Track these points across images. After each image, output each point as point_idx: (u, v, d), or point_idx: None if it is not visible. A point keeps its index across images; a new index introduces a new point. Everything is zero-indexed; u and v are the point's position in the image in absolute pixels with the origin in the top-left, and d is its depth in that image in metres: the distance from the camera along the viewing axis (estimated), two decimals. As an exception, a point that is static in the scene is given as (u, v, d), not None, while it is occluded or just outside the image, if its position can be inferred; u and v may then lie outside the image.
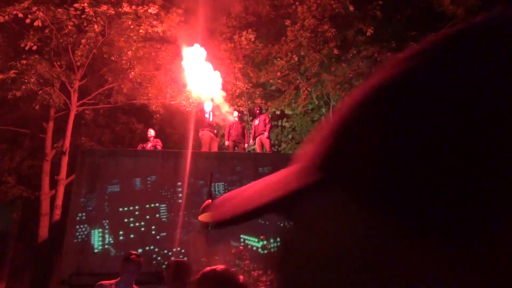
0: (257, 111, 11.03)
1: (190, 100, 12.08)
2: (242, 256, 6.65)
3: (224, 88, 13.22)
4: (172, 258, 6.76)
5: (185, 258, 6.75)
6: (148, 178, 7.67)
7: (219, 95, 10.57)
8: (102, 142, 13.61)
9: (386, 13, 12.79)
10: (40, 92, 10.36)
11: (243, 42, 13.99)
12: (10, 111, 12.25)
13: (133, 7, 10.52)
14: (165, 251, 7.09)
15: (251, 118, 14.35)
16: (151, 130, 9.92)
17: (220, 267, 2.16)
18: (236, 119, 10.30)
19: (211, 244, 7.02)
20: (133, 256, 3.41)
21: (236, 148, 9.94)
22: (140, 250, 6.82)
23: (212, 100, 10.44)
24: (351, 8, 12.32)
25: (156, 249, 7.08)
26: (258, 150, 10.43)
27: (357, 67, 11.98)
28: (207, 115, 9.62)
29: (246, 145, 10.30)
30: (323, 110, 13.44)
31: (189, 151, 8.42)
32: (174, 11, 11.32)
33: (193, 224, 7.34)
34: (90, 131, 13.53)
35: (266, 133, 10.17)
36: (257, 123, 10.58)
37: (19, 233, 12.71)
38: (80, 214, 7.09)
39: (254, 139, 10.52)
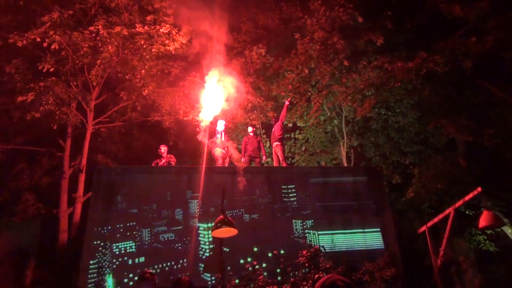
0: (273, 121, 11.07)
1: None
2: (256, 271, 6.64)
3: (236, 102, 13.34)
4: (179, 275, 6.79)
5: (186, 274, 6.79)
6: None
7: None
8: (118, 159, 13.84)
9: (396, 22, 12.78)
10: (58, 112, 10.65)
11: (253, 57, 14.15)
12: (28, 131, 12.61)
13: (146, 27, 10.78)
14: (179, 267, 7.13)
15: (264, 131, 14.42)
16: (162, 146, 10.05)
17: None
18: (251, 134, 10.36)
19: (225, 259, 7.04)
20: (148, 274, 3.47)
21: (252, 162, 9.99)
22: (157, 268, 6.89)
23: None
24: (360, 19, 12.36)
25: (172, 265, 7.12)
26: (274, 159, 10.43)
27: (368, 78, 11.95)
28: (218, 135, 9.71)
29: (264, 157, 10.33)
30: (335, 121, 13.41)
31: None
32: (185, 29, 11.52)
33: (207, 239, 7.37)
34: (106, 148, 13.79)
35: (278, 143, 10.21)
36: (273, 130, 10.64)
37: (38, 250, 12.92)
38: (96, 231, 7.20)
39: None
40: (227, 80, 9.85)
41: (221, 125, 9.94)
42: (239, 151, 10.98)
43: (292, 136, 14.75)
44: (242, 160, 10.17)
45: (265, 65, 14.29)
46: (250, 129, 10.57)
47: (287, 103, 10.72)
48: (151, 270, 3.75)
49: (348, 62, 12.16)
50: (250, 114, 14.30)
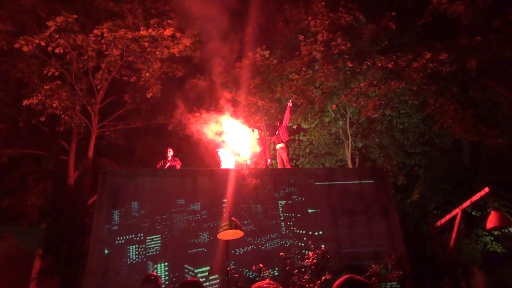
0: (278, 124, 11.03)
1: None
2: (263, 273, 6.61)
3: (240, 104, 13.36)
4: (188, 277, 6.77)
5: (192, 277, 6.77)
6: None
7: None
8: (122, 162, 13.88)
9: (400, 23, 12.73)
10: (63, 115, 10.71)
11: (257, 59, 14.14)
12: (34, 134, 12.68)
13: (150, 30, 10.83)
14: (186, 270, 7.10)
15: (268, 133, 14.40)
16: (170, 149, 10.07)
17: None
18: (257, 136, 10.32)
19: (231, 262, 7.02)
20: (152, 277, 3.44)
21: (257, 166, 9.96)
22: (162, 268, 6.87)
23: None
24: (364, 21, 12.34)
25: (176, 268, 7.10)
26: (278, 161, 10.40)
27: (372, 79, 11.91)
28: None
29: (268, 161, 10.30)
30: (340, 122, 13.37)
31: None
32: (189, 32, 11.56)
33: (213, 243, 7.35)
34: (111, 152, 13.83)
35: (283, 145, 10.16)
36: (277, 132, 10.59)
37: (44, 254, 12.97)
38: (102, 234, 7.20)
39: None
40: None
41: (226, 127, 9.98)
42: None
43: (296, 138, 14.71)
44: (247, 163, 10.16)
45: (268, 67, 14.28)
46: (256, 131, 10.51)
47: (290, 105, 10.68)
48: (156, 273, 3.72)
49: (352, 63, 12.13)
50: (254, 116, 14.29)
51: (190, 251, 7.30)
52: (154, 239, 7.32)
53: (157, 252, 7.21)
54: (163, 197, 7.74)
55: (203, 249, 7.33)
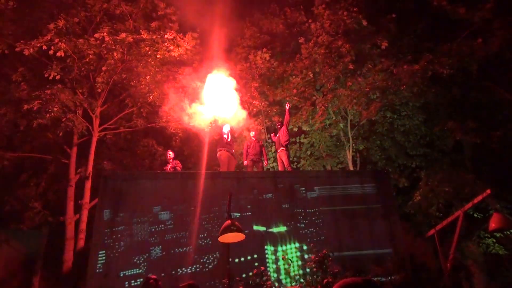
0: (278, 126, 11.01)
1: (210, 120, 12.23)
2: (263, 276, 6.59)
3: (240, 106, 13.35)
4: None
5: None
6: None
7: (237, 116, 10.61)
8: (123, 165, 13.84)
9: (400, 25, 12.75)
10: (64, 119, 10.70)
11: (258, 61, 14.16)
12: (35, 138, 12.67)
13: (150, 33, 10.84)
14: (184, 273, 7.08)
15: (269, 136, 14.40)
16: (170, 152, 10.08)
17: None
18: (253, 138, 10.33)
19: (232, 265, 6.99)
20: (152, 280, 3.44)
21: (254, 167, 9.95)
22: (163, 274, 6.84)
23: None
24: (365, 23, 12.36)
25: (178, 271, 7.08)
26: (279, 164, 10.39)
27: (373, 81, 11.91)
28: (225, 136, 9.72)
29: (265, 162, 10.28)
30: (341, 125, 13.36)
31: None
32: (189, 35, 11.56)
33: (213, 245, 7.33)
34: (112, 155, 13.80)
35: (283, 147, 10.16)
36: (278, 135, 10.58)
37: (45, 258, 12.94)
38: (103, 238, 7.18)
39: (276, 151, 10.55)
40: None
41: (226, 126, 9.98)
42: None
43: (298, 140, 14.70)
44: (244, 163, 10.16)
45: (269, 69, 14.29)
46: (252, 133, 10.55)
47: (287, 107, 10.71)
48: (156, 276, 3.71)
49: (353, 66, 12.13)
50: (255, 118, 14.29)
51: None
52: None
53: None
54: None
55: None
